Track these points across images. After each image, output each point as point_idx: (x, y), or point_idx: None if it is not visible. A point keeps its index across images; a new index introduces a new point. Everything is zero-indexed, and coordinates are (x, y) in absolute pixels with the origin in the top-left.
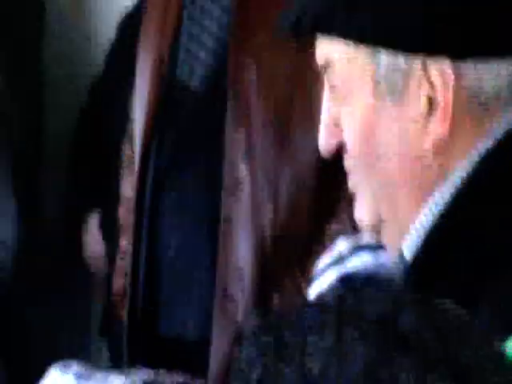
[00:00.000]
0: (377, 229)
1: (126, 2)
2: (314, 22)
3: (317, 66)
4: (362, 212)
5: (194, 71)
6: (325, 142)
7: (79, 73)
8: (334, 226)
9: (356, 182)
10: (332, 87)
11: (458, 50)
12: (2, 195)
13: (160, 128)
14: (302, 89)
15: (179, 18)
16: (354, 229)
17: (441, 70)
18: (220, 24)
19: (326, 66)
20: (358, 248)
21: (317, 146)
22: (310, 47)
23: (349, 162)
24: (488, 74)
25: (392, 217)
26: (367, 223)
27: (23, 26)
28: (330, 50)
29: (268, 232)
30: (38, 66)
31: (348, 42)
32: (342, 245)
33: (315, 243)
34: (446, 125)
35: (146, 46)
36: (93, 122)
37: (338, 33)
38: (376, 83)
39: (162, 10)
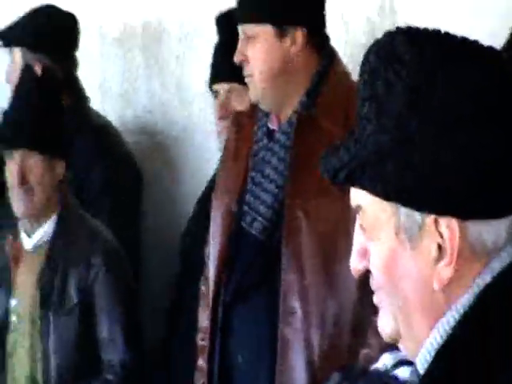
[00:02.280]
0: (395, 341)
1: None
2: (347, 176)
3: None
4: (384, 325)
5: (255, 221)
6: (354, 266)
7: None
8: (364, 351)
9: (380, 299)
10: (362, 226)
11: (462, 213)
12: (112, 322)
13: (229, 268)
14: (343, 229)
15: (244, 179)
16: (381, 352)
17: (448, 225)
18: (277, 185)
19: (357, 209)
20: (400, 362)
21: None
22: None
23: (374, 284)
24: (487, 229)
25: (407, 334)
26: (387, 335)
27: (126, 189)
28: (360, 198)
29: (316, 353)
30: (137, 216)
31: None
32: (386, 358)
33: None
34: (452, 268)
35: (217, 199)
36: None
37: (367, 187)
38: (397, 231)
39: (232, 172)
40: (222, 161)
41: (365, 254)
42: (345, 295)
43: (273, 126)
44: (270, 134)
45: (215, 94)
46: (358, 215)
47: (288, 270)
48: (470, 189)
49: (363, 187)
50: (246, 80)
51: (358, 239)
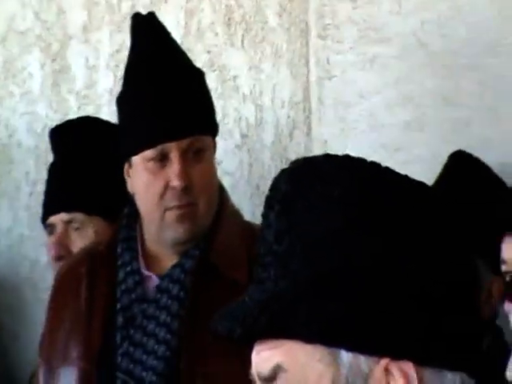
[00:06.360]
0: None
1: None
2: (270, 320)
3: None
4: None
5: None
6: None
7: None
8: None
9: None
10: None
11: (423, 356)
12: None
13: None
14: None
15: (102, 339)
16: None
17: (404, 373)
18: (169, 347)
19: (275, 374)
20: None
21: None
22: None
23: None
24: (439, 380)
25: None
26: None
27: None
28: (280, 355)
29: None
30: None
31: (304, 344)
32: None
33: None
34: None
35: (58, 367)
36: None
37: (298, 331)
38: None
39: (84, 332)
40: (58, 320)
41: None
42: None
43: (148, 272)
44: (143, 281)
45: (50, 228)
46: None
47: None
48: (434, 326)
49: (293, 332)
50: (184, 211)
51: None
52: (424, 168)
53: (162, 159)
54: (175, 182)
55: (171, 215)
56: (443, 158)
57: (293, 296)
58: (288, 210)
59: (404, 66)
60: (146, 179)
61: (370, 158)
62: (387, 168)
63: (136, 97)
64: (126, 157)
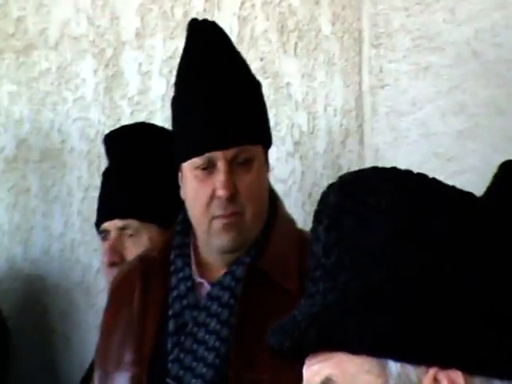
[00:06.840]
0: None
1: None
2: (320, 332)
3: None
4: None
5: None
6: None
7: None
8: None
9: None
10: None
11: (473, 365)
12: None
13: None
14: None
15: (155, 346)
16: None
17: (452, 382)
18: (218, 354)
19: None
20: None
21: None
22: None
23: None
24: None
25: None
26: None
27: None
28: (329, 368)
29: None
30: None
31: (353, 356)
32: None
33: None
34: None
35: (112, 373)
36: None
37: (347, 342)
38: None
39: (137, 338)
40: (113, 326)
41: None
42: None
43: (200, 278)
44: (195, 288)
45: (104, 234)
46: None
47: None
48: (486, 335)
49: (341, 344)
50: (230, 220)
51: None
52: (476, 178)
53: (210, 167)
54: (220, 191)
55: (217, 224)
56: (496, 168)
57: (342, 308)
58: (337, 223)
59: (457, 74)
60: (193, 187)
61: (422, 167)
62: (434, 179)
63: (187, 103)
64: (177, 163)
